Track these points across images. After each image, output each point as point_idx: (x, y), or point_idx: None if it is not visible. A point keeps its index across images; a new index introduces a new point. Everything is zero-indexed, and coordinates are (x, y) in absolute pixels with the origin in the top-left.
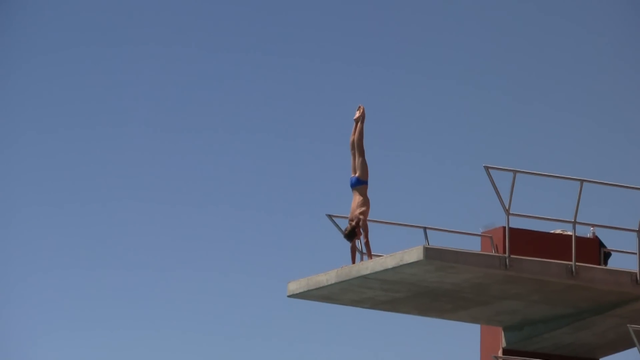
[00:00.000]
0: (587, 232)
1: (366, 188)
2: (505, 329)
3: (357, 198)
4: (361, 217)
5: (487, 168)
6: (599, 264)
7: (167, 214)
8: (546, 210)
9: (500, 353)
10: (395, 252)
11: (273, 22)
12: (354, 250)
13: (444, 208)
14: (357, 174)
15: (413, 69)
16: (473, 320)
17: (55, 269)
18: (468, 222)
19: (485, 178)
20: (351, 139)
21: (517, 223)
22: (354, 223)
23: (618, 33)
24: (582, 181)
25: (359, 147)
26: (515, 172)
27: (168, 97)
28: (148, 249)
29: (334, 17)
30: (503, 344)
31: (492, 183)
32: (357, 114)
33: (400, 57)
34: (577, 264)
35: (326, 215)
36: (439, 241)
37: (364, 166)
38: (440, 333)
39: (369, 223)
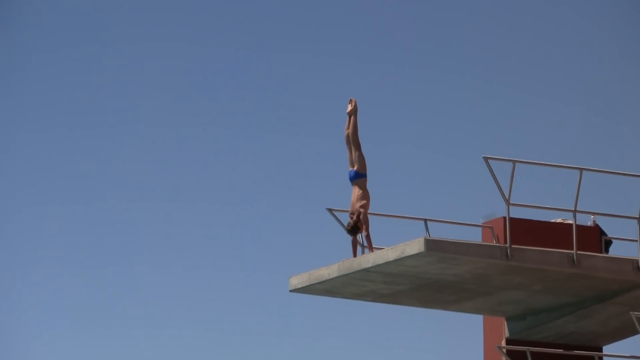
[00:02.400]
0: (587, 221)
1: (365, 181)
2: (508, 319)
3: (356, 191)
4: (362, 210)
5: (486, 159)
6: (600, 252)
7: (167, 211)
8: (546, 200)
9: (503, 343)
10: (397, 245)
11: (269, 19)
12: (355, 243)
13: (444, 200)
14: (355, 168)
15: (411, 62)
16: (476, 311)
17: (53, 268)
18: (469, 213)
19: (485, 169)
20: (346, 133)
21: (518, 213)
22: (355, 217)
23: (616, 24)
24: (581, 170)
25: (354, 141)
26: (514, 162)
27: (164, 95)
28: (149, 246)
29: (330, 12)
30: (506, 334)
31: (492, 173)
32: (350, 107)
33: (397, 50)
34: (578, 252)
35: (326, 209)
36: (439, 233)
37: (361, 159)
38: (443, 324)
39: (369, 216)
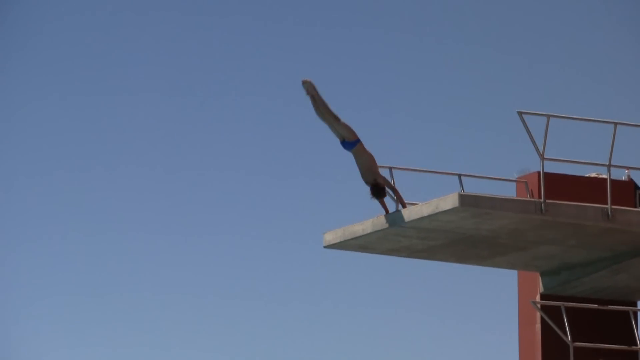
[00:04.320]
0: (622, 175)
1: (361, 145)
2: (542, 274)
3: (359, 159)
4: (374, 174)
5: (520, 113)
6: (635, 207)
7: (202, 172)
8: (581, 154)
9: (538, 298)
10: (431, 200)
11: (274, 19)
12: (383, 204)
13: (478, 155)
14: (345, 139)
15: (442, 16)
16: (510, 266)
17: (53, 262)
18: (503, 168)
19: (519, 123)
20: (317, 113)
21: (552, 167)
22: (372, 180)
23: None
24: (615, 124)
25: (329, 115)
26: (548, 116)
27: (191, 81)
28: (181, 209)
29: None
30: (541, 289)
31: (526, 128)
32: (305, 92)
33: (431, 11)
34: (612, 207)
35: None
36: (474, 188)
37: (345, 128)
38: (477, 280)
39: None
